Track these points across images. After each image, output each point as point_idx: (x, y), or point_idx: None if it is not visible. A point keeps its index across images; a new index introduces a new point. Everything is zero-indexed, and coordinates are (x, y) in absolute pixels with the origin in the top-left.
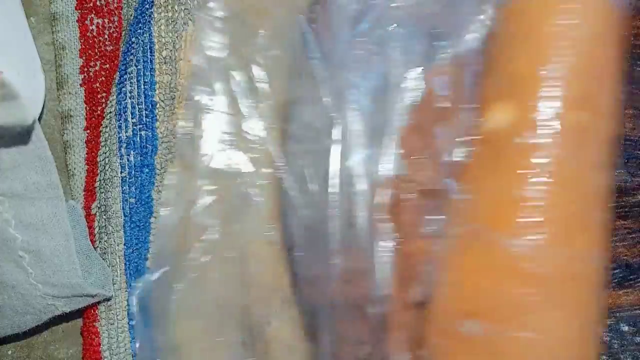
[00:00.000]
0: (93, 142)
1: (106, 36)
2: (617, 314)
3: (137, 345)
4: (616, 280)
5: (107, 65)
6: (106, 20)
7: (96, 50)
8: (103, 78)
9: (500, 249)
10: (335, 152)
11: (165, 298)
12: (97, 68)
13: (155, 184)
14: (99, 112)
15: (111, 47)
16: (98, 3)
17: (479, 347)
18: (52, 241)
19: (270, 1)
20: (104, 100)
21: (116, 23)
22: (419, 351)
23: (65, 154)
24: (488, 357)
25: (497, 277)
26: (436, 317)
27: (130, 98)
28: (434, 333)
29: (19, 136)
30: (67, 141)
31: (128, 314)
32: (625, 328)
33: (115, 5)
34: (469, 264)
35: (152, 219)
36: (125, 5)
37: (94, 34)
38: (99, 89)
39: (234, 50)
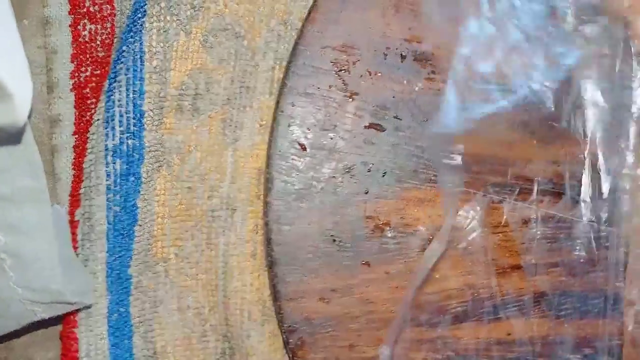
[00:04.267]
0: (81, 147)
1: (98, 42)
2: (595, 343)
3: (116, 352)
4: (596, 310)
5: (98, 72)
6: (99, 27)
7: (88, 56)
8: (93, 84)
9: None
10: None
11: (146, 306)
12: (88, 74)
13: (141, 193)
14: (88, 117)
15: (103, 54)
16: (92, 9)
17: None
18: (35, 246)
19: None
20: (93, 106)
21: (109, 30)
22: None
23: (53, 158)
24: None
25: None
26: None
27: (118, 106)
28: None
29: (10, 139)
30: (55, 145)
31: (108, 320)
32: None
33: (109, 11)
34: None
35: (136, 227)
36: (119, 12)
37: (87, 39)
38: (89, 95)
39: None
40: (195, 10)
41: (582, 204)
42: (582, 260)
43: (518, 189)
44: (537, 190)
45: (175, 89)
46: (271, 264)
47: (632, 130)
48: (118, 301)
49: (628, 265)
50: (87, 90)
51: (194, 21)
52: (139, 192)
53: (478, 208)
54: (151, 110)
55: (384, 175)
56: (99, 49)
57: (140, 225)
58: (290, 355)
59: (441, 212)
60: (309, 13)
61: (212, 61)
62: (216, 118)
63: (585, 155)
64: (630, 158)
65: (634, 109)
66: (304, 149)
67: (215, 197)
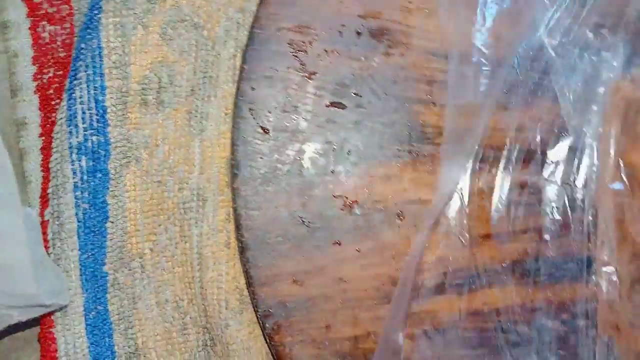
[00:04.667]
0: (48, 149)
1: (59, 43)
2: (573, 308)
3: (97, 350)
4: (571, 274)
5: (61, 72)
6: (58, 27)
7: (49, 57)
8: (57, 85)
9: None
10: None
11: (124, 303)
12: (50, 75)
13: (110, 189)
14: (53, 118)
15: (64, 54)
16: (50, 10)
17: None
18: (7, 251)
19: None
20: (58, 107)
21: (68, 30)
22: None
23: (22, 161)
24: None
25: None
26: None
27: (80, 104)
28: None
29: None
30: (23, 148)
31: (85, 319)
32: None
33: (67, 12)
34: None
35: (108, 224)
36: (77, 12)
37: (47, 41)
38: (53, 96)
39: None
40: (151, 3)
41: (553, 168)
42: (555, 225)
43: (489, 157)
44: (508, 157)
45: (137, 83)
46: (242, 250)
47: (600, 92)
48: (95, 299)
49: (598, 226)
50: (51, 91)
51: (151, 14)
52: (107, 188)
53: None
54: (114, 105)
55: (348, 154)
56: (60, 49)
57: (112, 222)
58: (268, 340)
59: (407, 187)
60: None
61: (173, 53)
62: (181, 110)
63: (554, 119)
64: (597, 119)
65: (602, 74)
66: (267, 132)
67: (186, 189)
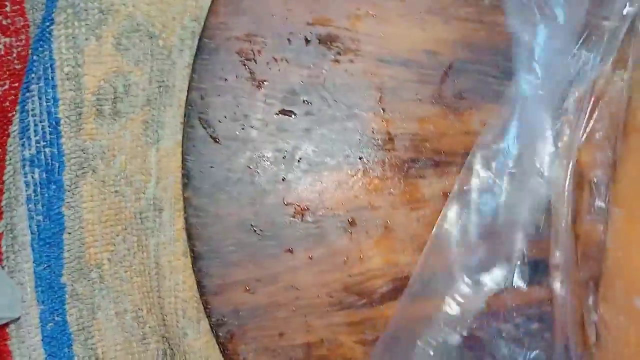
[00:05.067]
0: (3, 161)
1: (14, 55)
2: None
3: None
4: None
5: (17, 84)
6: (14, 39)
7: (5, 69)
8: (13, 97)
9: None
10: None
11: (83, 313)
12: (6, 87)
13: (66, 200)
14: (9, 131)
15: (20, 66)
16: (4, 22)
17: None
18: None
19: None
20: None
21: (24, 42)
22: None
23: None
24: None
25: None
26: (610, 291)
27: (32, 116)
28: (605, 309)
29: None
30: None
31: (42, 330)
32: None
33: (22, 23)
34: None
35: (65, 235)
36: (32, 24)
37: (2, 52)
38: (9, 108)
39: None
40: (104, 14)
41: (498, 170)
42: (504, 225)
43: (435, 163)
44: (454, 162)
45: (92, 94)
46: (194, 259)
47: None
48: (52, 310)
49: (551, 227)
50: (7, 103)
51: (104, 25)
52: (63, 199)
53: (397, 185)
54: (67, 117)
55: (299, 161)
56: (15, 61)
57: (70, 233)
58: (221, 349)
59: (358, 193)
60: (211, 5)
61: (128, 63)
62: (137, 120)
63: (498, 122)
64: (546, 117)
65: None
66: (217, 141)
67: (143, 199)
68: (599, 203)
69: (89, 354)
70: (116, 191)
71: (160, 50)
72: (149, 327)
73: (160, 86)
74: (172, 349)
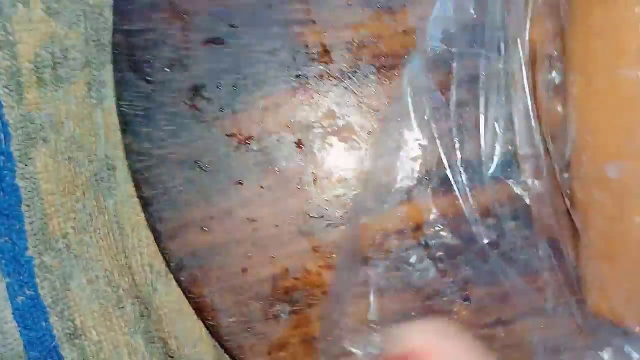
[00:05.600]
0: None
1: None
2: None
3: (30, 334)
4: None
5: None
6: None
7: None
8: None
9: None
10: None
11: (56, 285)
12: None
13: (18, 172)
14: None
15: None
16: None
17: (624, 192)
18: None
19: None
20: None
21: None
22: None
23: None
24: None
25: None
26: (579, 168)
27: None
28: (579, 188)
29: None
30: None
31: (12, 304)
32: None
33: None
34: (600, 108)
35: (23, 207)
36: None
37: None
38: None
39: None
40: None
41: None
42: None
43: (377, 68)
44: (396, 64)
45: (29, 62)
46: (144, 206)
47: None
48: (22, 284)
49: (513, 119)
50: None
51: None
52: (14, 171)
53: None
54: (6, 87)
55: (234, 88)
56: None
57: (28, 205)
58: (186, 295)
59: (300, 112)
60: None
61: (62, 27)
62: (80, 82)
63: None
64: None
65: None
66: (149, 82)
67: (95, 161)
68: (555, 75)
69: (67, 324)
70: (69, 157)
71: (91, 9)
72: (122, 289)
73: (97, 45)
74: (147, 308)
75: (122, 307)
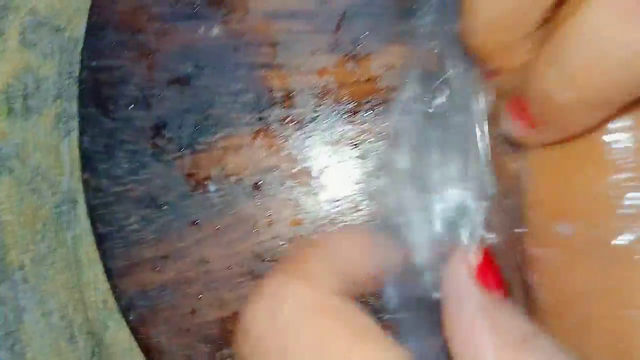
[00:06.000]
0: None
1: None
2: None
3: None
4: None
5: None
6: None
7: None
8: None
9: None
10: None
11: (9, 317)
12: None
13: None
14: None
15: None
16: None
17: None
18: None
19: None
20: None
21: None
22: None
23: None
24: (585, 259)
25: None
26: (533, 224)
27: None
28: (531, 244)
29: None
30: None
31: None
32: None
33: None
34: (555, 165)
35: None
36: None
37: None
38: None
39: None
40: (4, 10)
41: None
42: None
43: (339, 115)
44: (358, 111)
45: (1, 93)
46: (98, 242)
47: None
48: None
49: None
50: None
51: (6, 21)
52: None
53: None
54: None
55: (197, 129)
56: None
57: None
58: (134, 334)
59: (260, 155)
60: None
61: (37, 59)
62: (50, 114)
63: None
64: None
65: None
66: (112, 118)
67: (58, 193)
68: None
69: (17, 359)
70: (33, 189)
71: (67, 42)
72: (76, 325)
73: (69, 78)
74: (99, 346)
75: (75, 343)
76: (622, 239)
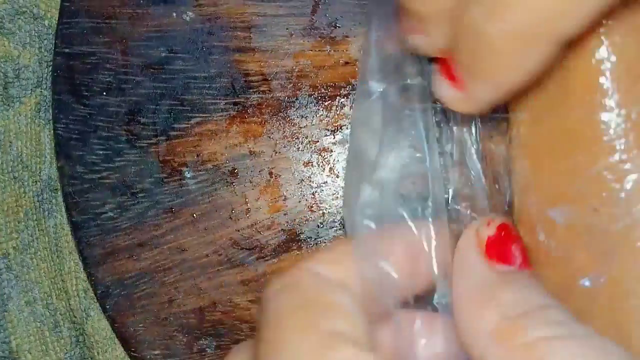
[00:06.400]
0: None
1: None
2: None
3: None
4: None
5: None
6: None
7: None
8: None
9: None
10: None
11: None
12: None
13: None
14: None
15: None
16: None
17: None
18: None
19: None
20: None
21: None
22: None
23: None
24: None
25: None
26: (521, 216)
27: None
28: (523, 232)
29: None
30: None
31: None
32: None
33: None
34: (546, 149)
35: None
36: None
37: None
38: None
39: None
40: None
41: None
42: None
43: (316, 99)
44: (336, 95)
45: None
46: (73, 230)
47: None
48: None
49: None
50: None
51: None
52: None
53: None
54: None
55: (171, 115)
56: None
57: None
58: (111, 323)
59: (237, 141)
60: None
61: (16, 47)
62: (30, 103)
63: None
64: None
65: None
66: (85, 106)
67: (39, 181)
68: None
69: (2, 347)
70: (14, 177)
71: (46, 30)
72: (60, 313)
73: (49, 66)
74: (82, 335)
75: (59, 332)
76: (621, 225)
